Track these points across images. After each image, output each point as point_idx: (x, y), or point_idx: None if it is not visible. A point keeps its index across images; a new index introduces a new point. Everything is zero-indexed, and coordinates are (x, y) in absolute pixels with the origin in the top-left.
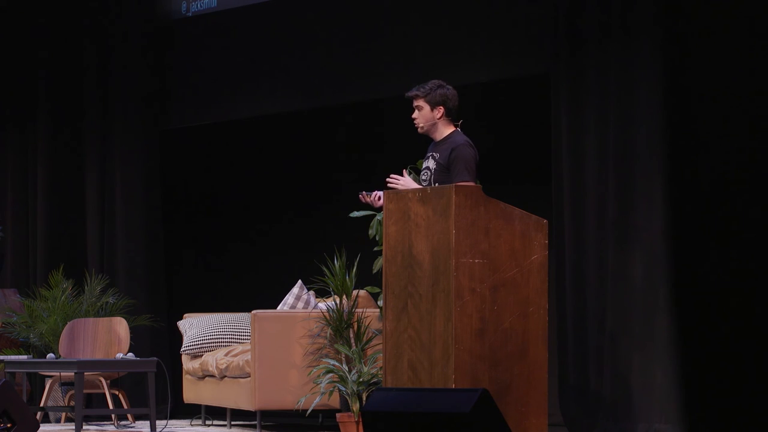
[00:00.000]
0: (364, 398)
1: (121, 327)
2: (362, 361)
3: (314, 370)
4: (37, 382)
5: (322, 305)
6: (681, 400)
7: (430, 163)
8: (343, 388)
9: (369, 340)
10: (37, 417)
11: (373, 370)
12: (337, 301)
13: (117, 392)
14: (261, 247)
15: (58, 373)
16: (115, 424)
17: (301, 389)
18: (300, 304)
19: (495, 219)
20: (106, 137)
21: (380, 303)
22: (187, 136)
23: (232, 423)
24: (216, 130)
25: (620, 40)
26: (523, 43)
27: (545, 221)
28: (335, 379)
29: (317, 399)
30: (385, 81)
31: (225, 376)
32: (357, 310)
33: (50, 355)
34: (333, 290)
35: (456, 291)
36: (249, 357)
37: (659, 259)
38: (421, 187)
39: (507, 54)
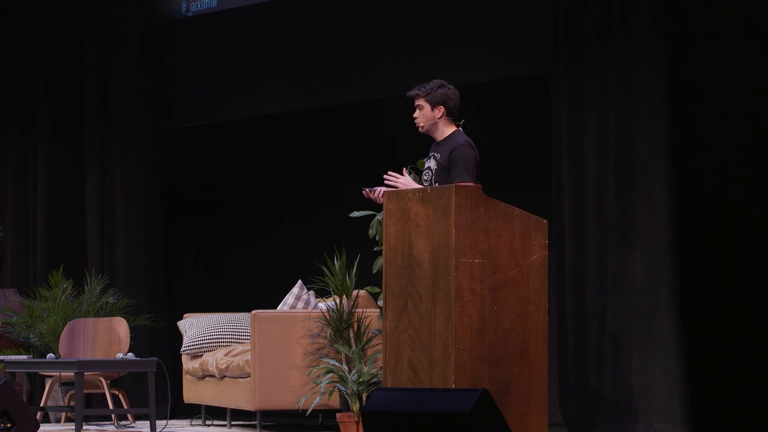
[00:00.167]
0: (364, 398)
1: (121, 327)
2: (362, 361)
3: (314, 370)
4: (37, 382)
5: (322, 305)
6: (681, 400)
7: (432, 163)
8: (343, 388)
9: (369, 340)
10: (37, 417)
11: (373, 370)
12: (337, 301)
13: (117, 392)
14: (261, 247)
15: (58, 373)
16: (115, 424)
17: (301, 389)
18: (300, 304)
19: (495, 219)
20: (106, 137)
21: (380, 303)
22: (187, 136)
23: (232, 423)
24: (216, 130)
25: (620, 40)
26: (523, 43)
27: (545, 221)
28: (335, 379)
29: (317, 399)
30: (385, 81)
31: (225, 376)
32: (357, 310)
33: (50, 355)
34: (333, 290)
35: (456, 291)
36: (249, 357)
37: (659, 259)
38: (421, 186)
39: (507, 54)
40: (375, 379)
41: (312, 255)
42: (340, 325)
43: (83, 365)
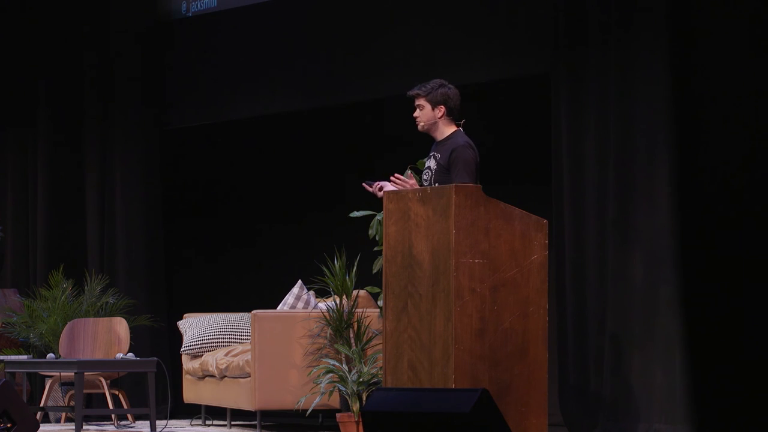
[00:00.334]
0: (364, 398)
1: (121, 327)
2: (362, 361)
3: (314, 370)
4: (37, 382)
5: (322, 305)
6: (681, 400)
7: (431, 163)
8: (343, 388)
9: (369, 340)
10: (37, 417)
11: (373, 370)
12: (337, 301)
13: (117, 392)
14: (261, 247)
15: (58, 373)
16: (115, 424)
17: (301, 389)
18: (300, 304)
19: (495, 219)
20: (106, 137)
21: (380, 303)
22: (187, 136)
23: (232, 423)
24: (216, 130)
25: (620, 39)
26: (523, 43)
27: (545, 221)
28: (335, 379)
29: (317, 399)
30: (386, 81)
31: (225, 376)
32: (357, 310)
33: (50, 355)
34: (333, 290)
35: (456, 291)
36: (249, 357)
37: (659, 259)
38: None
39: (507, 54)
40: (375, 379)
41: (312, 255)
42: (340, 325)
43: (83, 365)
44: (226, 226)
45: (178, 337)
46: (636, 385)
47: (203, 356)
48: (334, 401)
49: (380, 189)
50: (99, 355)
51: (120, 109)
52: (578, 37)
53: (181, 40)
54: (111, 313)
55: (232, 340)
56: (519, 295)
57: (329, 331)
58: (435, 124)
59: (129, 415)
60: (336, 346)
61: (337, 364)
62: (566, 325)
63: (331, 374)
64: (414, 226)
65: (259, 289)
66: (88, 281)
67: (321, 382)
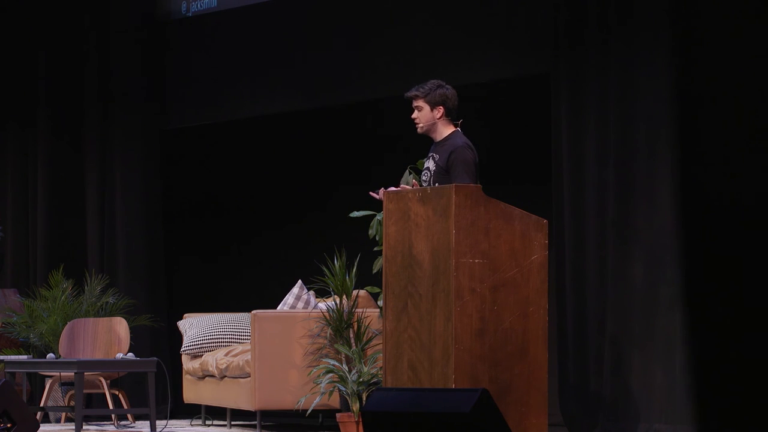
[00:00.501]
0: (364, 398)
1: (121, 327)
2: (362, 361)
3: (314, 370)
4: (37, 382)
5: (322, 305)
6: (681, 400)
7: (430, 164)
8: (343, 388)
9: (369, 340)
10: (37, 417)
11: (373, 370)
12: (337, 301)
13: (117, 392)
14: (261, 247)
15: (58, 373)
16: (115, 424)
17: (301, 389)
18: (300, 304)
19: (495, 219)
20: (106, 137)
21: (380, 303)
22: (187, 136)
23: (232, 423)
24: (216, 130)
25: (620, 39)
26: (523, 43)
27: (545, 221)
28: (335, 379)
29: (317, 399)
30: (385, 81)
31: (225, 376)
32: (357, 310)
33: (50, 355)
34: (333, 290)
35: (456, 291)
36: (249, 357)
37: (659, 259)
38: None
39: (507, 54)
40: (375, 379)
41: (312, 255)
42: (340, 325)
43: (83, 365)
44: (226, 226)
45: (178, 337)
46: (636, 385)
47: (203, 356)
48: (334, 401)
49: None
50: (99, 355)
51: (120, 109)
52: (578, 37)
53: (181, 40)
54: (111, 313)
55: (232, 340)
56: (519, 295)
57: (329, 331)
58: (434, 125)
59: (129, 415)
60: (336, 346)
61: (337, 364)
62: (566, 325)
63: (331, 374)
64: (414, 226)
65: (259, 289)
66: (88, 281)
67: (321, 382)
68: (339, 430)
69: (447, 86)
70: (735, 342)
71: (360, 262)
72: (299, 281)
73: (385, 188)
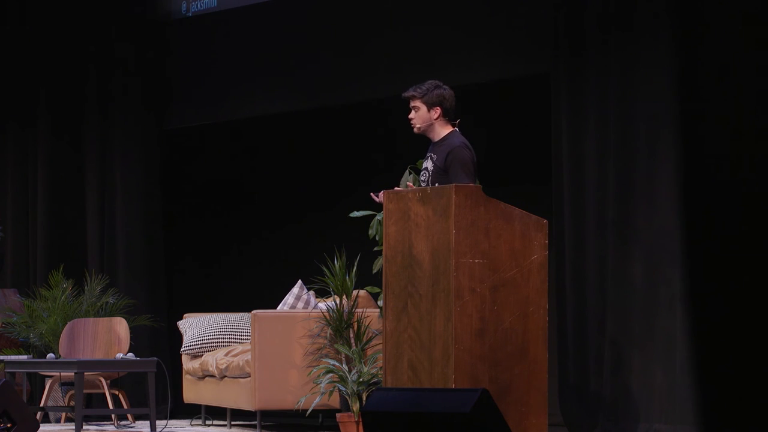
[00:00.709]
0: (364, 398)
1: (121, 327)
2: (362, 361)
3: (314, 370)
4: (37, 382)
5: (322, 305)
6: (681, 400)
7: (428, 164)
8: (343, 388)
9: (369, 340)
10: (37, 417)
11: (373, 370)
12: (337, 301)
13: (117, 392)
14: (261, 247)
15: (58, 373)
16: (115, 424)
17: (301, 389)
18: (300, 304)
19: (495, 219)
20: (106, 137)
21: (380, 303)
22: (187, 136)
23: (232, 423)
24: (216, 130)
25: (620, 39)
26: (523, 43)
27: (545, 221)
28: (335, 379)
29: (317, 399)
30: (385, 81)
31: (225, 376)
32: (357, 310)
33: (50, 355)
34: (333, 290)
35: (456, 291)
36: (249, 357)
37: (659, 259)
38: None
39: (507, 54)
40: (375, 379)
41: (312, 255)
42: (340, 325)
43: (83, 365)
44: (226, 226)
45: (178, 337)
46: (636, 385)
47: (203, 356)
48: (334, 401)
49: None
50: (99, 355)
51: (120, 109)
52: (578, 37)
53: (181, 40)
54: (111, 313)
55: (232, 340)
56: (519, 295)
57: (329, 331)
58: (431, 125)
59: (129, 415)
60: (336, 346)
61: (337, 364)
62: (566, 325)
63: (331, 374)
64: (414, 226)
65: (259, 289)
66: (88, 281)
67: (321, 382)
68: (339, 430)
69: (445, 87)
70: (735, 342)
71: (360, 262)
72: (299, 281)
73: (386, 190)
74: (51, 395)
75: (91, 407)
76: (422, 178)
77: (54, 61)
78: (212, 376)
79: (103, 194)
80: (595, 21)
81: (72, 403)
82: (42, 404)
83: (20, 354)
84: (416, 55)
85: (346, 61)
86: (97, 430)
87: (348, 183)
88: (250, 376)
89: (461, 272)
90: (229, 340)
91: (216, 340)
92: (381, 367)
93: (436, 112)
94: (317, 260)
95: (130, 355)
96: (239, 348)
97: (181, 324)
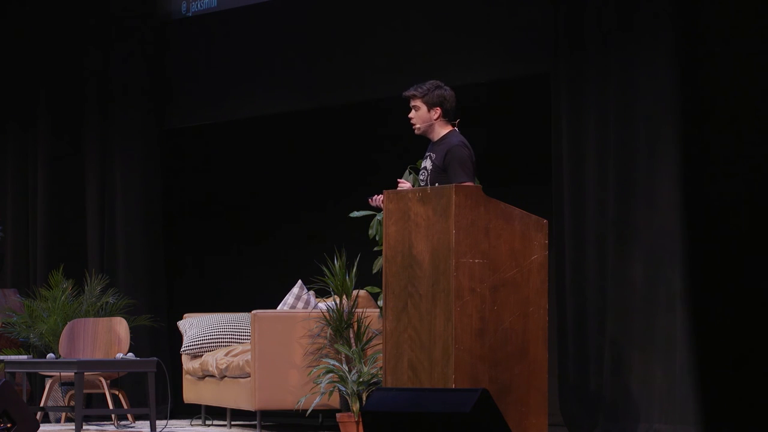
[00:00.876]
0: (364, 398)
1: (121, 327)
2: (362, 361)
3: (314, 370)
4: (37, 382)
5: (322, 305)
6: (681, 400)
7: (428, 164)
8: (343, 388)
9: (369, 340)
10: (37, 417)
11: (373, 370)
12: (337, 301)
13: (117, 392)
14: (261, 247)
15: (58, 373)
16: (115, 424)
17: (301, 389)
18: (300, 304)
19: (495, 219)
20: (106, 137)
21: (380, 303)
22: (187, 136)
23: (232, 423)
24: (216, 130)
25: (620, 39)
26: (523, 43)
27: (545, 221)
28: (335, 379)
29: (317, 399)
30: (385, 81)
31: (225, 376)
32: (357, 310)
33: (50, 355)
34: (333, 290)
35: (456, 291)
36: (249, 357)
37: (659, 259)
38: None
39: (507, 54)
40: (375, 379)
41: (312, 255)
42: (340, 325)
43: (83, 365)
44: (226, 226)
45: (178, 337)
46: (636, 385)
47: (203, 356)
48: (334, 401)
49: (382, 201)
50: (99, 355)
51: (120, 109)
52: (578, 37)
53: (181, 40)
54: (111, 313)
55: (232, 340)
56: (519, 295)
57: (329, 331)
58: (431, 125)
59: (129, 415)
60: (336, 346)
61: (337, 364)
62: (566, 325)
63: (331, 374)
64: (414, 226)
65: (259, 289)
66: (88, 281)
67: (321, 382)
68: (339, 430)
69: (446, 87)
70: (735, 342)
71: (360, 262)
72: (299, 281)
73: (386, 190)
74: (51, 395)
75: (91, 407)
76: (421, 177)
77: (54, 61)
78: (212, 376)
79: (103, 194)
80: (595, 21)
81: (72, 403)
82: (42, 404)
83: (20, 354)
84: (416, 55)
85: (346, 61)
86: (97, 430)
87: (348, 183)
88: (250, 376)
89: (461, 272)
90: (229, 340)
91: (216, 340)
92: (381, 367)
93: (436, 112)
94: (317, 260)
95: (130, 355)
96: (239, 348)
97: (181, 324)
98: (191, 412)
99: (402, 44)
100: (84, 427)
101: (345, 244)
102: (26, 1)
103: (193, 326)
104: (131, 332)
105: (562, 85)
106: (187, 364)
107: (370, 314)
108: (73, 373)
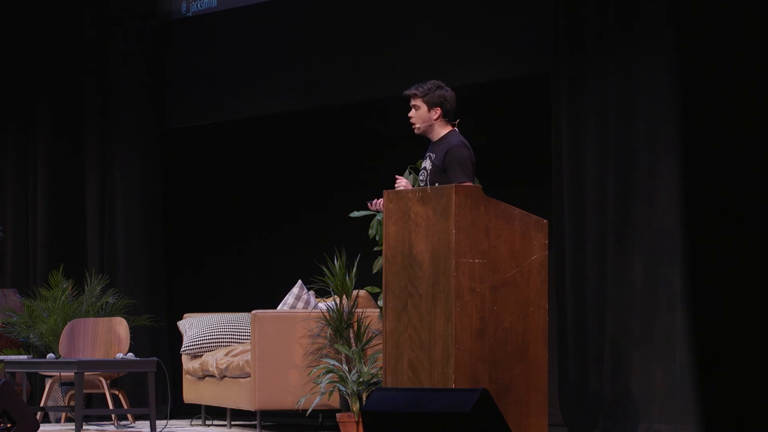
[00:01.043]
0: (364, 398)
1: (121, 327)
2: (362, 361)
3: (314, 370)
4: (37, 382)
5: (322, 305)
6: (681, 400)
7: (427, 164)
8: (343, 388)
9: (369, 340)
10: (37, 417)
11: (373, 370)
12: (337, 301)
13: (117, 392)
14: (261, 247)
15: (58, 373)
16: (115, 424)
17: (301, 389)
18: (300, 304)
19: (495, 219)
20: (106, 137)
21: (380, 303)
22: (187, 136)
23: (232, 423)
24: (216, 130)
25: (620, 39)
26: (523, 43)
27: (545, 221)
28: (335, 379)
29: (317, 399)
30: (385, 81)
31: (225, 376)
32: (357, 310)
33: (50, 355)
34: (333, 290)
35: (456, 291)
36: (249, 357)
37: (659, 259)
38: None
39: (507, 54)
40: (375, 379)
41: (312, 255)
42: (340, 325)
43: (83, 365)
44: (226, 226)
45: (178, 337)
46: (636, 385)
47: (203, 356)
48: (334, 401)
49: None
50: (99, 355)
51: (120, 109)
52: (578, 37)
53: (181, 40)
54: (111, 313)
55: (232, 340)
56: (519, 295)
57: (329, 331)
58: (431, 125)
59: (129, 415)
60: (336, 346)
61: (337, 364)
62: (566, 325)
63: (331, 374)
64: (414, 226)
65: (259, 289)
66: (88, 281)
67: (321, 382)
68: (339, 430)
69: (446, 88)
70: (735, 342)
71: (360, 262)
72: (299, 281)
73: (386, 190)
74: (51, 395)
75: (91, 407)
76: (421, 177)
77: (54, 61)
78: (212, 376)
79: (103, 194)
80: (595, 21)
81: (72, 403)
82: (42, 404)
83: (20, 354)
84: (416, 55)
85: (346, 60)
86: (97, 430)
87: (348, 183)
88: (250, 376)
89: (461, 272)
90: (229, 340)
91: (216, 340)
92: (381, 367)
93: (437, 112)
94: (317, 260)
95: (130, 355)
96: (239, 348)
97: (181, 324)
98: (191, 412)
99: (402, 44)
100: (84, 427)
101: (345, 244)
102: (26, 2)
103: (193, 326)
104: (131, 332)
105: (562, 85)
106: (187, 364)
107: (370, 314)
108: (73, 373)
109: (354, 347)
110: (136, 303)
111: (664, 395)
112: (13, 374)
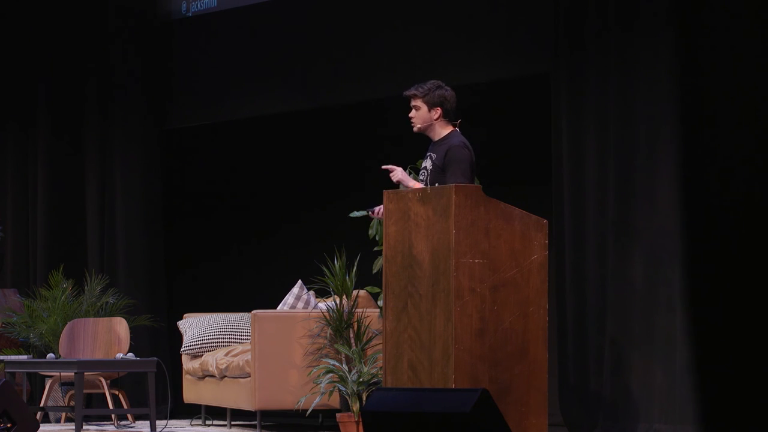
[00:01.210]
0: (364, 398)
1: (121, 327)
2: (362, 361)
3: (314, 370)
4: (37, 382)
5: (322, 305)
6: (681, 400)
7: (428, 163)
8: (343, 388)
9: (369, 340)
10: (37, 417)
11: (373, 370)
12: (337, 301)
13: (117, 392)
14: (261, 247)
15: (58, 373)
16: (115, 424)
17: (301, 389)
18: (300, 304)
19: (495, 219)
20: (106, 137)
21: (380, 303)
22: (187, 136)
23: (232, 423)
24: (216, 130)
25: (620, 39)
26: (523, 43)
27: (545, 221)
28: (335, 379)
29: (317, 399)
30: (385, 81)
31: (225, 376)
32: (357, 310)
33: (50, 355)
34: (333, 290)
35: (456, 291)
36: (249, 357)
37: (659, 259)
38: (419, 186)
39: (507, 54)
40: (375, 379)
41: (312, 255)
42: (340, 325)
43: (83, 365)
44: (226, 226)
45: (178, 337)
46: (636, 385)
47: (203, 356)
48: (334, 401)
49: (381, 213)
50: (99, 355)
51: (120, 109)
52: (578, 37)
53: (181, 40)
54: (111, 313)
55: (232, 340)
56: (519, 295)
57: (329, 331)
58: (431, 125)
59: (129, 415)
60: (336, 346)
61: (337, 364)
62: (566, 325)
63: (331, 374)
64: (414, 226)
65: (259, 289)
66: (88, 281)
67: (321, 382)
68: (339, 430)
69: (447, 88)
70: (735, 342)
71: (360, 262)
72: (299, 281)
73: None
74: (51, 395)
75: (91, 407)
76: (421, 177)
77: (54, 61)
78: (212, 376)
79: (103, 194)
80: (595, 21)
81: (72, 403)
82: (42, 404)
83: (20, 354)
84: (416, 55)
85: (346, 61)
86: (97, 430)
87: (348, 183)
88: (250, 376)
89: (461, 272)
90: (229, 340)
91: (216, 340)
92: (381, 367)
93: (437, 112)
94: (317, 260)
95: (130, 355)
96: (239, 348)
97: (181, 324)
98: (191, 412)
99: (402, 44)
100: (84, 427)
101: (345, 244)
102: (26, 2)
103: (193, 326)
104: (131, 332)
105: (562, 85)
106: (187, 364)
107: (370, 314)
108: (73, 373)
109: (354, 347)
110: (136, 303)
111: (664, 395)
112: (13, 374)
